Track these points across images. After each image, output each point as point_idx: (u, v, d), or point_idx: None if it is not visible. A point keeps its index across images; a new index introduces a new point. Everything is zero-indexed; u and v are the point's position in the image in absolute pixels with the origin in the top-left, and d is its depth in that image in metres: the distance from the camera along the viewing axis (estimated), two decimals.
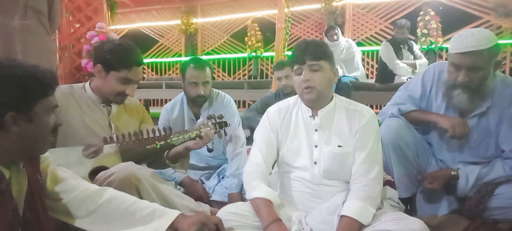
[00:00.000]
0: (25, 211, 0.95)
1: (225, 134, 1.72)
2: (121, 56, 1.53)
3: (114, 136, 1.57)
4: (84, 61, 3.95)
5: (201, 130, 1.61)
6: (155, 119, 1.90)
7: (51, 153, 1.18)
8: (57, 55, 4.03)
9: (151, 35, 8.62)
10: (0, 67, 0.87)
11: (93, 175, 1.38)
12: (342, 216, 1.22)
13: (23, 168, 0.99)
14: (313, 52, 1.33)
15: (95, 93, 1.63)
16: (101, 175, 1.32)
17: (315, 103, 1.38)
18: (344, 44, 4.27)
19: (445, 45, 5.58)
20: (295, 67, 1.38)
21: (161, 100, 7.27)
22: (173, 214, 1.08)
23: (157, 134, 1.57)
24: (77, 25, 4.22)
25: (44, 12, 2.49)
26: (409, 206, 1.77)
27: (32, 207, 0.98)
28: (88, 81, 1.67)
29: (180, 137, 1.58)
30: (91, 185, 1.15)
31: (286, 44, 5.33)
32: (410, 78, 3.71)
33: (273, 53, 5.98)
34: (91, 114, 1.60)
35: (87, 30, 4.08)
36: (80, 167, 1.39)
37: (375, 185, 1.28)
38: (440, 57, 5.82)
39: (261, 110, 2.78)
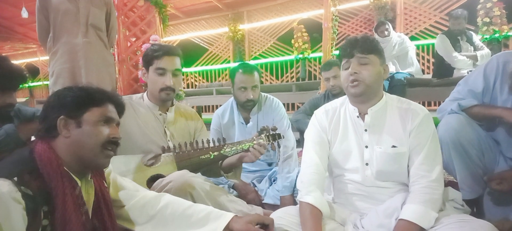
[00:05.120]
0: (93, 219, 1.03)
1: (279, 146, 1.68)
2: (153, 50, 1.70)
3: (171, 144, 1.64)
4: (140, 73, 4.19)
5: (254, 142, 1.60)
6: (207, 124, 1.96)
7: (112, 160, 1.26)
8: (116, 68, 4.33)
9: (200, 44, 8.93)
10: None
11: (150, 182, 1.46)
12: (400, 219, 1.16)
13: (90, 179, 1.07)
14: (362, 45, 1.29)
15: (151, 102, 1.73)
16: (158, 182, 1.40)
17: (361, 98, 1.33)
18: (396, 39, 4.10)
19: (511, 33, 5.12)
20: (343, 62, 1.34)
21: (212, 106, 7.48)
22: (228, 216, 1.13)
23: (211, 144, 1.61)
24: (133, 39, 4.48)
25: (103, 28, 2.73)
26: (475, 208, 1.64)
27: (100, 216, 1.05)
28: (146, 91, 1.78)
29: (233, 148, 1.60)
30: (149, 191, 1.23)
31: (334, 43, 5.21)
32: (470, 71, 3.46)
33: (320, 54, 5.90)
34: (147, 121, 1.70)
35: (142, 43, 4.32)
36: (139, 174, 1.48)
37: (437, 186, 1.20)
38: (506, 46, 5.35)
39: (310, 112, 2.74)
